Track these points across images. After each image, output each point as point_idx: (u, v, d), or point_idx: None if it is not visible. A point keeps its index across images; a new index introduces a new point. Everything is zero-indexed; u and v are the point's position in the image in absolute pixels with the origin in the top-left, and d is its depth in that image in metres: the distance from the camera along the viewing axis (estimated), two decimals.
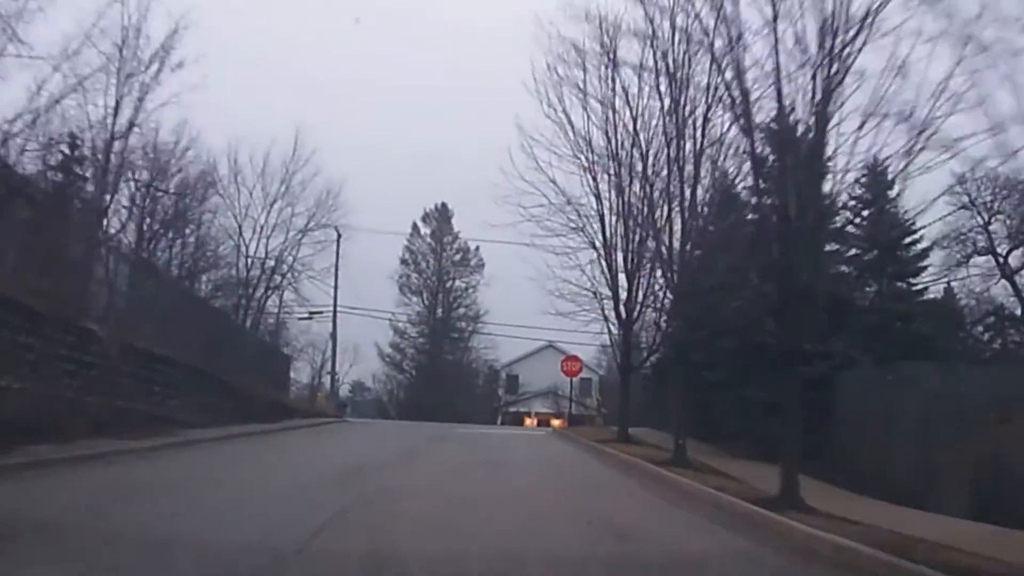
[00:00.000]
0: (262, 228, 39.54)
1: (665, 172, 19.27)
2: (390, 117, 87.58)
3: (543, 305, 25.53)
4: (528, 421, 60.73)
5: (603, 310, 23.93)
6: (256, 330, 37.64)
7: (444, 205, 67.29)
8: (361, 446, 20.47)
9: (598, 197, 24.58)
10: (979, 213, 28.34)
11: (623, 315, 23.68)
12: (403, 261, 66.46)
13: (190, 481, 11.22)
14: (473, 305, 66.82)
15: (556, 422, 63.53)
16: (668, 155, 18.13)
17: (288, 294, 42.01)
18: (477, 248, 66.71)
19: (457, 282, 66.86)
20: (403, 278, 66.12)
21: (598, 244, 24.45)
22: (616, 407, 44.03)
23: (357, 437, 24.88)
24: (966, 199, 27.67)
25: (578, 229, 24.68)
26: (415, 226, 67.00)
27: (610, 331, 24.21)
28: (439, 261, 66.84)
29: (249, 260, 39.12)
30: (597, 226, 24.57)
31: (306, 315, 53.21)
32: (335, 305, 53.98)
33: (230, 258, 38.73)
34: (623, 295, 24.00)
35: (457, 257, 66.97)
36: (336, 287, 54.20)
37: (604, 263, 24.12)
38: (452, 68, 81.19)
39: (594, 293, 23.93)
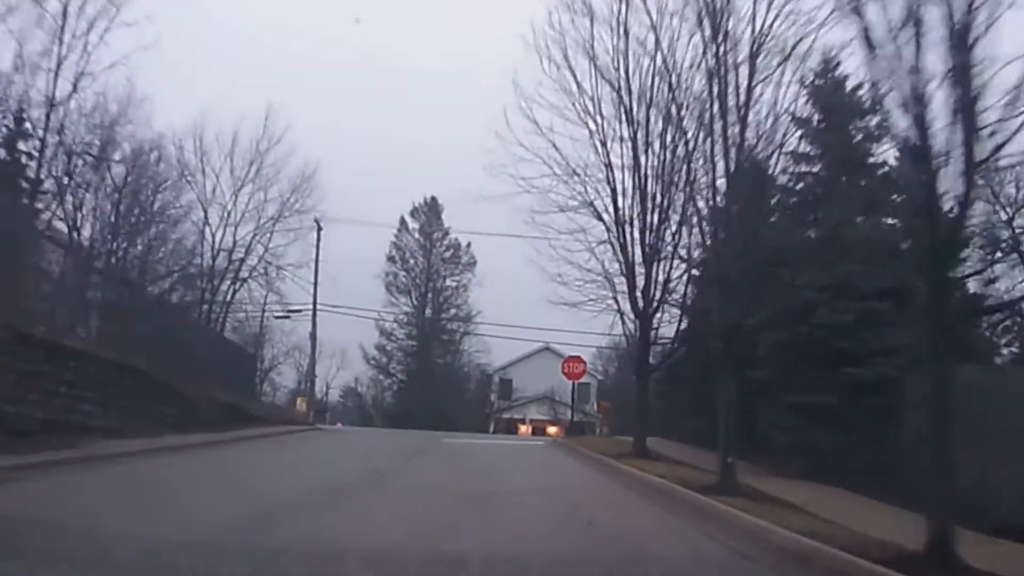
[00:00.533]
0: (229, 214, 35.65)
1: (701, 116, 15.37)
2: (378, 108, 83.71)
3: (544, 293, 21.58)
4: (523, 428, 56.70)
5: (616, 299, 20.03)
6: (219, 328, 33.62)
7: (434, 199, 63.50)
8: (318, 464, 16.52)
9: (609, 166, 20.74)
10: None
11: (640, 305, 19.77)
12: (390, 258, 62.60)
13: None
14: (464, 305, 62.95)
15: (552, 429, 59.58)
16: (710, 90, 14.24)
17: (268, 293, 38.02)
18: (469, 245, 62.97)
19: (448, 281, 62.98)
20: (390, 276, 62.23)
21: (609, 220, 20.56)
22: (623, 415, 40.29)
23: (321, 450, 20.91)
24: None
25: (586, 204, 20.79)
26: (403, 221, 63.21)
27: (624, 324, 20.29)
28: (428, 258, 62.89)
29: (215, 250, 35.23)
30: (608, 200, 20.72)
31: (283, 313, 49.49)
32: (315, 303, 49.99)
33: (196, 248, 34.92)
34: (639, 282, 20.10)
35: (447, 254, 63.02)
36: (316, 283, 50.28)
37: (617, 243, 20.22)
38: (445, 50, 77.32)
39: (605, 276, 20.03)
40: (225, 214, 35.50)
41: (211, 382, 24.54)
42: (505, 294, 71.40)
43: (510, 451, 23.45)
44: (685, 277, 20.05)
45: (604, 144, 20.59)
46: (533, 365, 59.19)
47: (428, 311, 62.74)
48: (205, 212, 34.96)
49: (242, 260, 35.86)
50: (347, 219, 55.94)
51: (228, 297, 35.26)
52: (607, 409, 29.35)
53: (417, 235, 63.16)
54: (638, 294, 19.75)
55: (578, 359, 28.74)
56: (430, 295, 63.14)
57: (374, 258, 64.38)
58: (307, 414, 40.17)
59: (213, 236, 35.05)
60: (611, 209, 20.57)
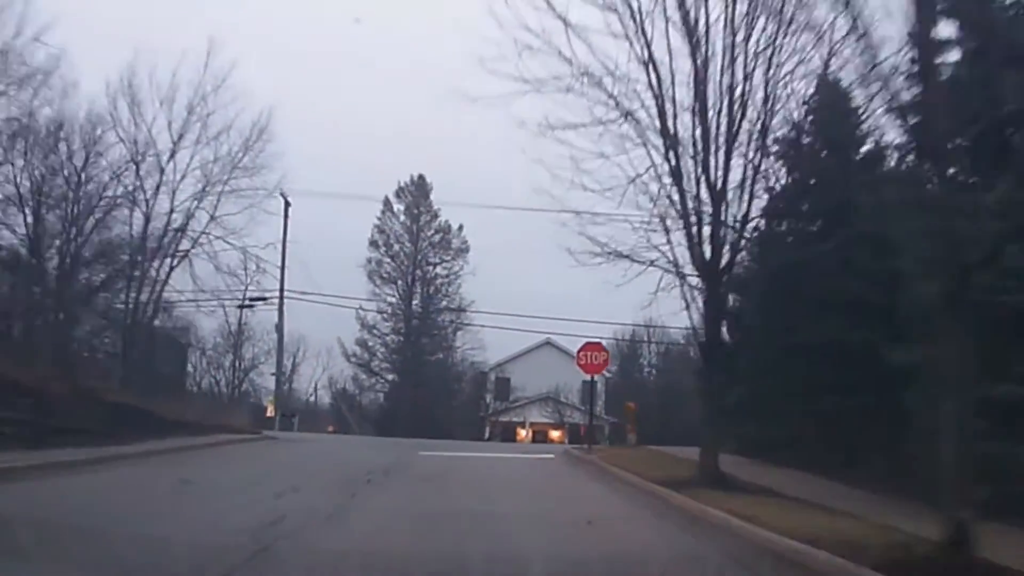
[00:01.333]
0: (163, 173, 28.90)
1: None
2: (361, 86, 76.97)
3: (558, 241, 14.92)
4: (522, 433, 50.06)
5: (667, 236, 13.40)
6: (143, 313, 26.89)
7: (421, 177, 56.71)
8: (173, 513, 9.78)
9: (650, 63, 14.12)
10: None
11: (708, 257, 13.17)
12: (373, 243, 55.76)
13: None
14: (456, 296, 56.09)
15: (555, 434, 53.05)
16: None
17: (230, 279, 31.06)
18: (461, 228, 56.22)
19: (437, 269, 56.16)
20: (373, 263, 55.37)
21: (654, 138, 13.97)
22: (643, 420, 33.61)
23: (241, 473, 14.24)
24: None
25: (623, 114, 14.19)
26: (387, 202, 56.36)
27: (682, 278, 13.60)
28: (415, 243, 56.10)
29: (146, 216, 28.49)
30: (653, 110, 14.12)
31: (247, 302, 42.92)
32: (281, 290, 43.45)
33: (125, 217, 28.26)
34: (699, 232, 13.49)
35: (436, 238, 56.26)
36: (283, 267, 43.65)
37: (668, 164, 13.66)
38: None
39: (660, 218, 13.37)
40: (160, 174, 28.81)
41: (98, 377, 17.85)
42: (501, 285, 64.97)
43: (508, 472, 16.80)
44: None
45: (642, 27, 14.01)
46: (533, 361, 52.55)
47: (415, 302, 55.97)
48: (137, 167, 28.32)
49: (180, 230, 29.06)
50: (318, 192, 49.08)
51: (163, 274, 28.54)
52: (633, 412, 22.39)
53: (403, 217, 56.40)
54: (704, 240, 13.11)
55: (598, 346, 22.03)
56: (418, 284, 56.39)
57: (355, 243, 57.86)
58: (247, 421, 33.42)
59: (147, 200, 28.40)
60: (657, 121, 13.95)
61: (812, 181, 18.51)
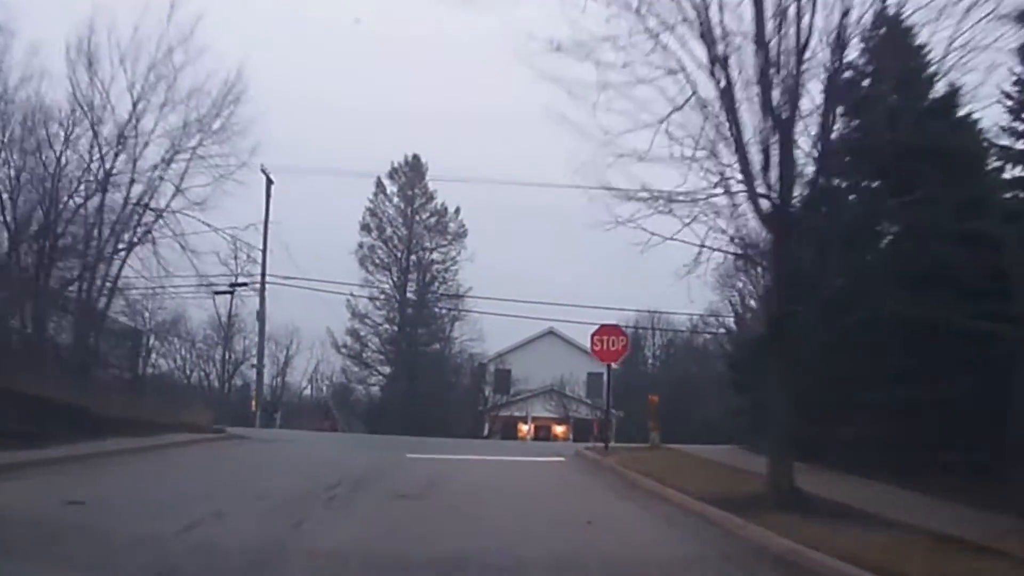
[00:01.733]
0: (123, 139, 25.57)
1: None
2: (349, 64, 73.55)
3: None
4: (523, 429, 46.90)
5: (724, 185, 10.17)
6: (95, 298, 23.59)
7: (416, 157, 53.45)
8: (71, 541, 6.59)
9: None
10: None
11: (775, 195, 9.95)
12: (364, 227, 52.51)
13: None
14: (453, 282, 52.83)
15: (559, 429, 49.90)
16: None
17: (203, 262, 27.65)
18: (458, 211, 52.97)
19: (433, 254, 52.88)
20: (364, 249, 52.10)
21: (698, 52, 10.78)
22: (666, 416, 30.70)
23: (163, 489, 11.03)
24: None
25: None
26: (379, 184, 53.09)
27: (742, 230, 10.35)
28: (410, 227, 52.84)
29: (102, 186, 25.20)
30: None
31: (226, 288, 39.77)
32: (263, 274, 40.40)
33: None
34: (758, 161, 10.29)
35: (432, 220, 52.97)
36: (265, 250, 40.68)
37: (718, 86, 10.47)
38: None
39: (711, 151, 10.14)
40: (118, 143, 25.49)
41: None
42: (501, 272, 61.58)
43: (511, 484, 13.63)
44: None
45: None
46: (535, 352, 49.37)
47: (411, 291, 52.70)
48: (94, 130, 25.02)
49: (143, 203, 25.73)
50: (302, 169, 45.80)
51: (119, 252, 25.21)
52: (655, 405, 19.05)
53: (396, 199, 53.12)
54: (770, 174, 9.88)
55: (615, 329, 18.76)
56: (412, 271, 53.15)
57: (346, 227, 54.62)
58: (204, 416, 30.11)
59: (103, 165, 25.10)
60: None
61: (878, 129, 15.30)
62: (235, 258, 35.48)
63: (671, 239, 10.57)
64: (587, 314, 65.90)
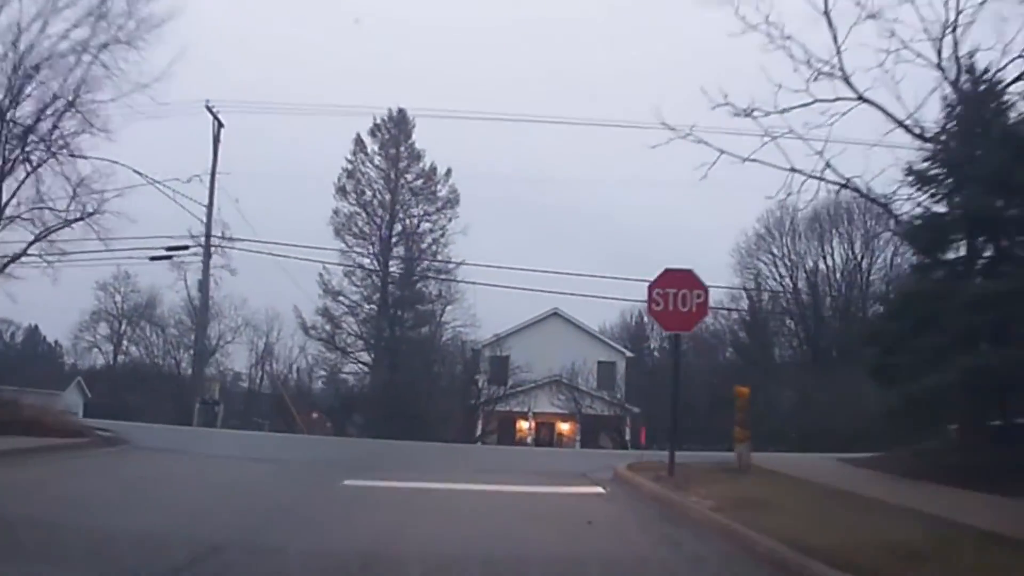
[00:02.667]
0: None
1: None
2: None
3: None
4: (523, 426, 39.74)
5: None
6: None
7: (402, 112, 46.11)
8: None
9: None
10: None
11: None
12: (340, 190, 45.18)
13: None
14: (443, 255, 45.45)
15: (564, 427, 42.76)
16: None
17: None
18: (448, 173, 45.66)
19: (421, 224, 45.58)
20: (340, 216, 44.79)
21: None
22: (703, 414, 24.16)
23: None
24: None
25: None
26: (359, 142, 45.79)
27: None
28: (393, 191, 45.54)
29: None
30: None
31: (162, 254, 32.80)
32: (207, 235, 33.30)
33: None
34: None
35: (418, 184, 45.67)
36: (211, 206, 33.67)
37: None
38: None
39: None
40: None
41: None
42: (497, 246, 54.64)
43: (522, 562, 6.42)
44: None
45: None
46: (537, 337, 42.19)
47: (395, 268, 45.42)
48: None
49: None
50: (263, 105, 38.33)
51: None
52: (745, 399, 11.76)
53: (378, 159, 45.78)
54: None
55: (688, 277, 11.41)
56: (397, 244, 45.90)
57: (320, 191, 47.47)
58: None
59: None
60: None
61: None
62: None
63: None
64: (588, 301, 58.75)
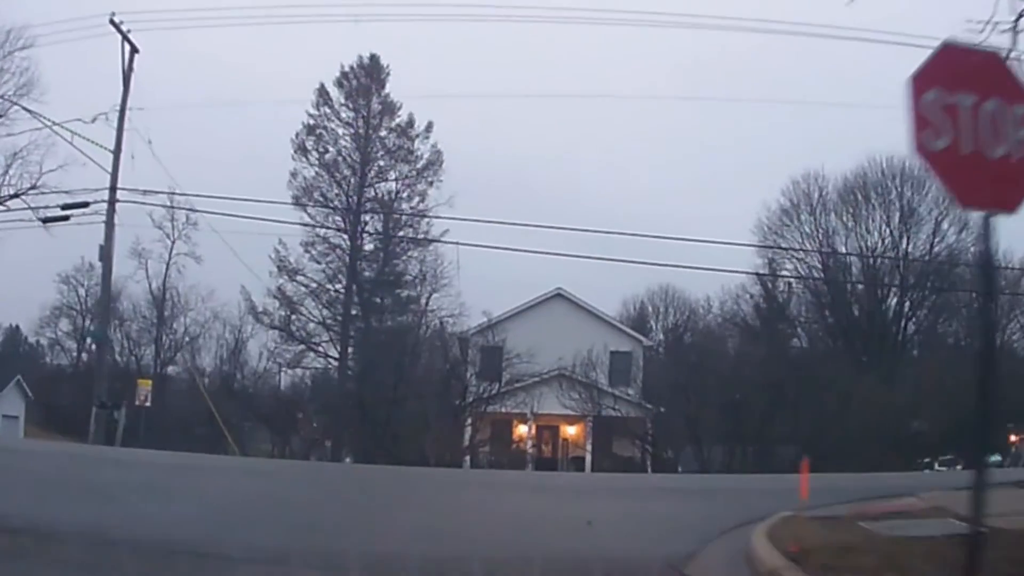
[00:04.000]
0: None
1: None
2: None
3: None
4: (521, 432, 32.17)
5: None
6: None
7: (374, 59, 38.62)
8: None
9: None
10: None
11: None
12: (300, 149, 37.58)
13: None
14: (425, 230, 37.92)
15: (571, 430, 35.22)
16: None
17: None
18: (429, 127, 38.10)
19: (395, 186, 38.02)
20: (300, 179, 37.24)
21: None
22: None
23: None
24: None
25: None
26: (323, 92, 38.19)
27: None
28: (364, 150, 37.98)
29: None
30: None
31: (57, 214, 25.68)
32: (113, 187, 25.92)
33: None
34: None
35: (392, 140, 38.13)
36: (118, 150, 26.36)
37: None
38: None
39: None
40: None
41: None
42: (488, 221, 46.71)
43: None
44: None
45: None
46: (537, 322, 34.57)
47: (362, 237, 37.87)
48: None
49: None
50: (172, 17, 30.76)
51: None
52: None
53: (345, 113, 38.15)
54: None
55: (996, 62, 4.39)
56: (368, 210, 38.36)
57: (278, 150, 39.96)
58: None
59: None
60: None
61: None
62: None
63: None
64: (592, 287, 51.26)
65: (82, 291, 44.79)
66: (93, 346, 38.14)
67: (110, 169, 25.71)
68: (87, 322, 45.16)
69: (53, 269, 41.87)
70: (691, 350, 32.21)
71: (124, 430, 22.84)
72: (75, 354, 47.22)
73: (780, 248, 40.06)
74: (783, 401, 24.31)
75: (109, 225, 25.19)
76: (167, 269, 39.76)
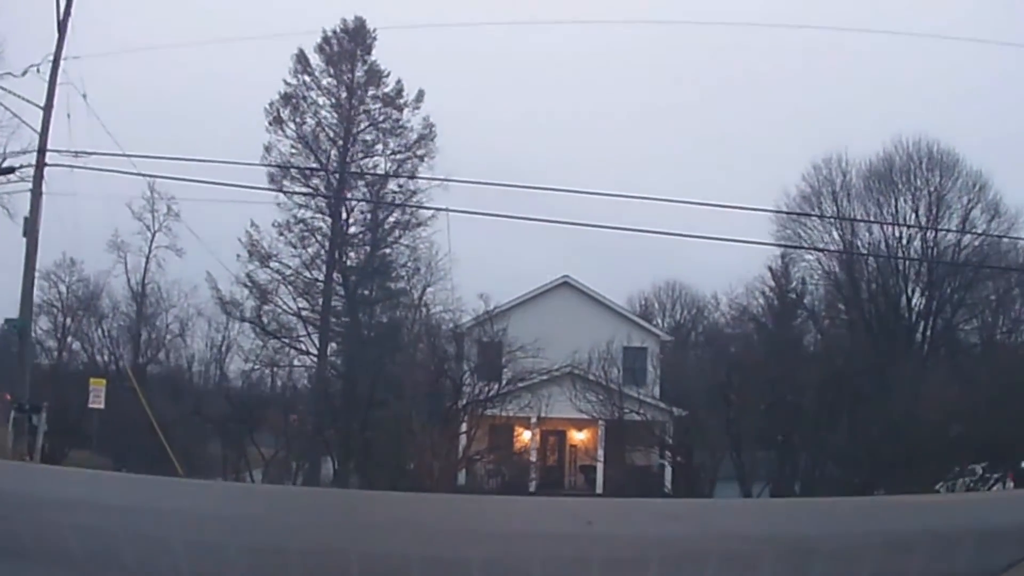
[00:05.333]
0: None
1: None
2: None
3: None
4: (524, 438, 28.12)
5: None
6: None
7: (360, 22, 34.64)
8: None
9: None
10: None
11: None
12: (275, 120, 33.49)
13: None
14: (416, 217, 33.92)
15: (579, 436, 31.26)
16: None
17: None
18: (420, 96, 34.07)
19: (380, 162, 34.05)
20: (275, 154, 33.19)
21: None
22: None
23: None
24: None
25: None
26: (301, 58, 34.14)
27: None
28: (347, 121, 33.96)
29: None
30: None
31: None
32: (41, 150, 22.15)
33: None
34: None
35: (379, 110, 34.09)
36: (49, 106, 22.78)
37: None
38: None
39: None
40: None
41: None
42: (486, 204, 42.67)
43: None
44: None
45: None
46: (542, 313, 30.59)
47: (346, 218, 33.84)
48: None
49: None
50: None
51: None
52: None
53: (326, 80, 34.10)
54: None
55: None
56: (352, 193, 34.40)
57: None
58: None
59: None
60: None
61: None
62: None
63: None
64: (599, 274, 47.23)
65: (63, 287, 42.04)
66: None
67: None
68: (67, 320, 42.32)
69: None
70: (731, 342, 28.04)
71: (47, 437, 18.90)
72: (56, 353, 45.17)
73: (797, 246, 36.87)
74: (841, 402, 20.38)
75: (36, 194, 21.18)
76: (147, 263, 36.83)
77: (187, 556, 5.26)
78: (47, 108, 22.10)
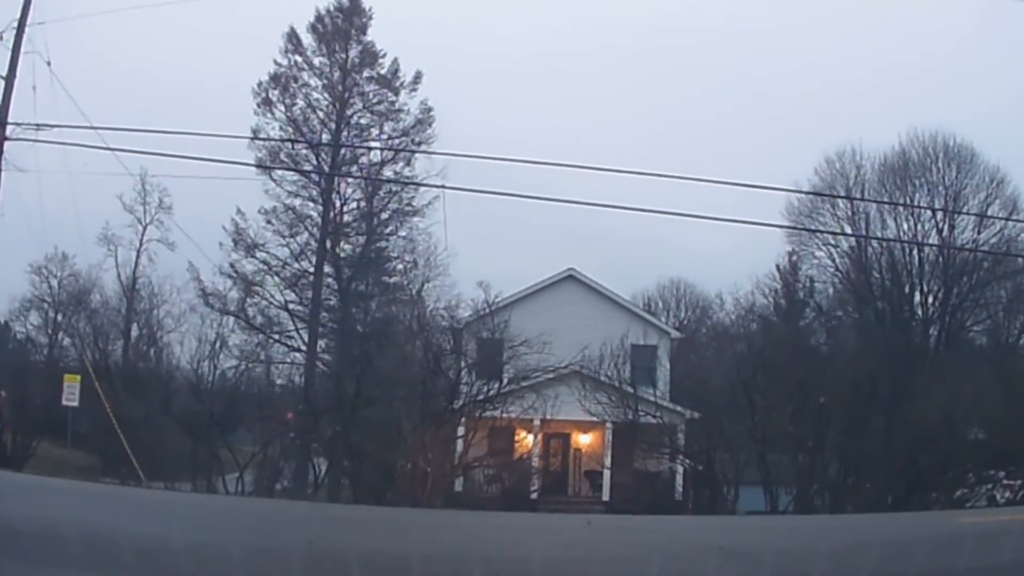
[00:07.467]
0: None
1: None
2: None
3: None
4: (525, 442, 26.18)
5: None
6: None
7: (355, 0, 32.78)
8: None
9: None
10: None
11: None
12: (264, 102, 31.60)
13: None
14: (413, 205, 32.05)
15: (584, 439, 29.32)
16: None
17: None
18: (418, 77, 32.20)
19: (372, 145, 32.17)
20: (263, 141, 31.27)
21: None
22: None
23: None
24: None
25: None
26: (292, 37, 32.28)
27: None
28: (340, 103, 32.07)
29: None
30: None
31: None
32: (2, 120, 20.25)
33: None
34: None
35: (374, 91, 32.23)
36: (12, 74, 21.03)
37: None
38: None
39: None
40: None
41: None
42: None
43: None
44: None
45: None
46: (545, 307, 28.62)
47: (336, 207, 31.93)
48: None
49: None
50: None
51: None
52: None
53: (318, 60, 32.23)
54: None
55: None
56: (346, 172, 32.50)
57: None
58: None
59: None
60: None
61: None
62: None
63: None
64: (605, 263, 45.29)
65: (54, 282, 41.23)
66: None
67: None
68: (58, 315, 41.21)
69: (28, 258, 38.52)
70: (749, 340, 26.13)
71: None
72: (46, 350, 43.72)
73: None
74: (874, 406, 18.52)
75: None
76: (137, 257, 35.35)
77: None
78: (9, 77, 20.26)
